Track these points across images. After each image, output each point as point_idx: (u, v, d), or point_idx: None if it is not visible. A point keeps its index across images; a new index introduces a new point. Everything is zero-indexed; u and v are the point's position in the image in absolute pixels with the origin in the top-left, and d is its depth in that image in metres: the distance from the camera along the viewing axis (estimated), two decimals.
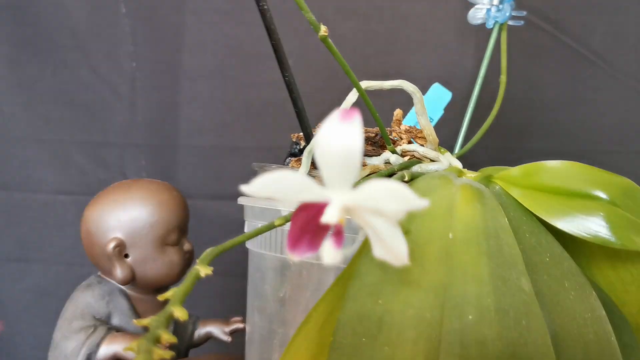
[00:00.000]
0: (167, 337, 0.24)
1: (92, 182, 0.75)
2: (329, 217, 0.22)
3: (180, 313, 0.25)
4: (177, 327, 0.49)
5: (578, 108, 0.72)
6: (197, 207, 0.74)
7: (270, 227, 0.32)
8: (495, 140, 0.69)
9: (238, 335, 0.53)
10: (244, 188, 0.23)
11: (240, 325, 0.49)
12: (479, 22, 0.49)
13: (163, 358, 0.23)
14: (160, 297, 0.26)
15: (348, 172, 0.22)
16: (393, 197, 0.22)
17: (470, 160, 0.51)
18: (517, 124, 0.72)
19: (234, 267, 0.64)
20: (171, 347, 0.45)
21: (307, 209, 0.24)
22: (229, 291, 0.70)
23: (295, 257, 0.25)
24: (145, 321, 0.25)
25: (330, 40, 0.35)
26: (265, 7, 0.36)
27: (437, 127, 0.54)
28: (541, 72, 0.72)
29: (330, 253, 0.23)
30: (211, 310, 0.61)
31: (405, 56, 0.72)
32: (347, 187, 0.23)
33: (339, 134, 0.22)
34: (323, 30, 0.35)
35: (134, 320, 0.24)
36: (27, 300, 0.75)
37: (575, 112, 0.72)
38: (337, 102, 0.42)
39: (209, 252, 0.29)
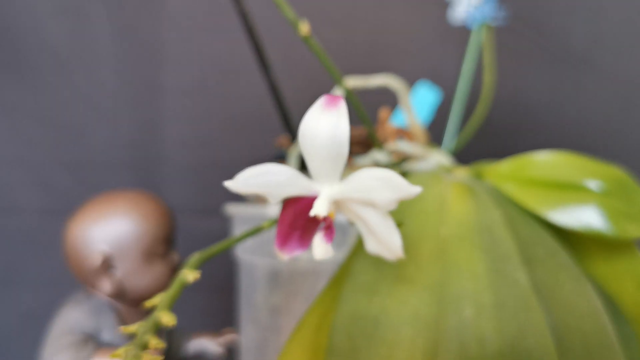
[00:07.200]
0: (155, 342, 0.23)
1: (77, 202, 0.74)
2: (318, 209, 0.22)
3: (167, 318, 0.24)
4: (167, 342, 0.47)
5: (562, 112, 0.72)
6: (183, 223, 0.74)
7: (259, 229, 0.31)
8: (482, 144, 0.69)
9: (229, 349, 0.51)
10: (227, 183, 0.22)
11: (233, 337, 0.48)
12: (460, 22, 0.49)
13: None
14: (147, 304, 0.25)
15: (335, 162, 0.22)
16: (384, 185, 0.21)
17: (458, 162, 0.51)
18: (503, 128, 0.72)
19: (221, 282, 0.63)
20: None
21: (295, 203, 0.24)
22: (216, 308, 0.69)
23: (285, 255, 0.24)
24: (132, 328, 0.24)
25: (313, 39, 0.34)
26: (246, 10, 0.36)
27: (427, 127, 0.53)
28: (525, 77, 0.72)
29: (321, 248, 0.23)
30: (198, 327, 0.60)
31: (389, 65, 0.72)
32: (335, 178, 0.22)
33: (324, 122, 0.21)
34: (304, 30, 0.34)
35: (121, 327, 0.23)
36: (17, 325, 0.73)
37: (560, 116, 0.72)
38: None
39: (196, 256, 0.28)
